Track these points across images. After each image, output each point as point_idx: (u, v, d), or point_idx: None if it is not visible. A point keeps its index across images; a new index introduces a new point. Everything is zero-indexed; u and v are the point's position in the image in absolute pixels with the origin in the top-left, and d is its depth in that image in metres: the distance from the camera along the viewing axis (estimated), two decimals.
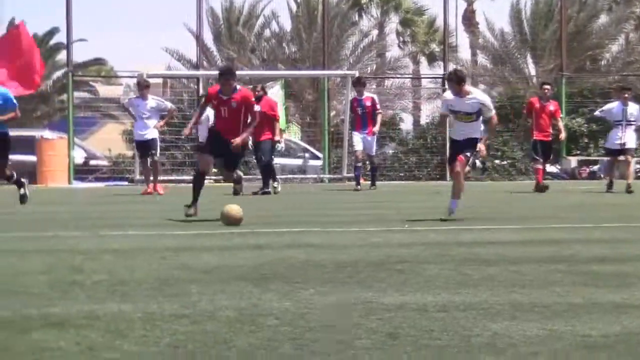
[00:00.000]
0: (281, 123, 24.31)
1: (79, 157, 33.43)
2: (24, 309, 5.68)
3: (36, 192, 26.37)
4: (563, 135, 24.89)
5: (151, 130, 22.06)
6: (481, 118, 13.89)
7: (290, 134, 36.40)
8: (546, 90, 23.46)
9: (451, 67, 37.60)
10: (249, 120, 14.03)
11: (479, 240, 10.76)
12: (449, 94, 14.05)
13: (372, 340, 4.79)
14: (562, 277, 7.42)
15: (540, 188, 22.50)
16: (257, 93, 22.92)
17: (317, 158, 34.57)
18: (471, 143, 13.63)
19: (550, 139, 23.41)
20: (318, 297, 6.23)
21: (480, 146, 13.70)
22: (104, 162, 35.16)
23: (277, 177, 23.38)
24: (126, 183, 30.30)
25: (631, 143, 22.62)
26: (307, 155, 34.74)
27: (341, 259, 8.72)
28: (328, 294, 6.39)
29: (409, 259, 8.64)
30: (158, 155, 22.64)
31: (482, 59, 44.66)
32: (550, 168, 35.20)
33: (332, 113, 35.58)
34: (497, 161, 34.61)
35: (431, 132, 35.24)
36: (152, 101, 22.41)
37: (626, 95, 22.52)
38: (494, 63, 42.79)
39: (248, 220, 12.43)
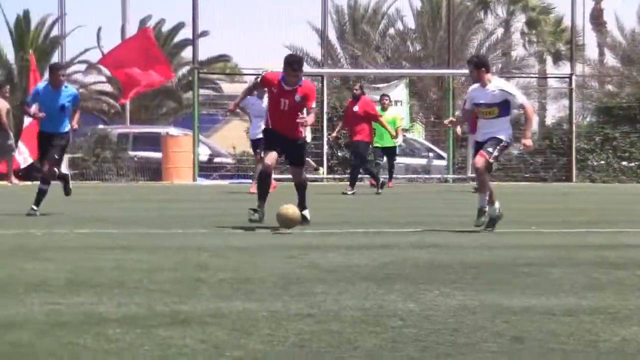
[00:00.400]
0: (405, 122, 24.24)
1: (203, 154, 33.70)
2: (153, 306, 5.80)
3: (162, 188, 26.99)
4: None
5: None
6: (508, 117, 12.37)
7: (414, 133, 36.34)
8: None
9: (579, 67, 37.16)
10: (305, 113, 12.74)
11: (607, 244, 10.61)
12: (473, 86, 12.71)
13: (497, 343, 4.76)
14: None
15: None
16: (355, 91, 23.13)
17: (442, 158, 34.37)
18: (494, 140, 12.11)
19: None
20: (442, 299, 6.22)
21: (526, 142, 12.51)
22: (229, 160, 35.42)
23: (382, 178, 22.94)
24: (250, 181, 30.56)
25: None
26: (431, 154, 34.55)
27: (466, 260, 8.71)
28: (453, 296, 6.37)
29: (535, 262, 8.60)
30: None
31: (610, 58, 43.68)
32: None
33: (457, 112, 35.36)
34: (624, 162, 33.98)
35: (557, 132, 34.75)
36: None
37: None
38: (622, 63, 41.71)
39: (372, 219, 12.48)
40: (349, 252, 9.37)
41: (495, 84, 12.18)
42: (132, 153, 33.97)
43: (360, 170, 22.78)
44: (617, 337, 4.96)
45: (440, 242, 10.45)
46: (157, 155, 33.08)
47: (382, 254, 9.17)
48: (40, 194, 14.02)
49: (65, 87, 14.60)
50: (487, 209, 11.79)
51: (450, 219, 14.35)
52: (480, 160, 11.92)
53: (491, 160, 12.06)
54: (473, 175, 28.32)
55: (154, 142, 33.99)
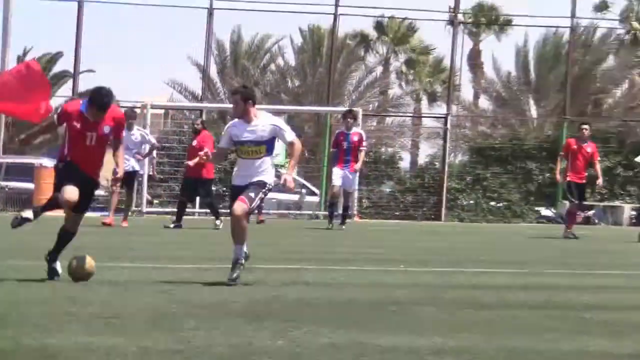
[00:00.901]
0: (280, 158, 24.32)
1: None
2: (22, 340, 5.78)
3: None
4: (600, 181, 23.56)
5: (133, 162, 22.16)
6: (271, 156, 10.90)
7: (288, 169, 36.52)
8: (584, 131, 22.42)
9: (454, 108, 38.04)
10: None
11: (473, 283, 10.88)
12: (233, 122, 11.15)
13: None
14: (556, 324, 7.55)
15: (570, 234, 21.82)
16: (195, 126, 23.55)
17: (314, 194, 34.82)
18: (258, 183, 10.59)
19: (585, 181, 22.47)
20: (311, 337, 6.33)
21: (287, 177, 10.79)
22: (102, 192, 35.32)
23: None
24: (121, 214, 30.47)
25: None
26: (303, 191, 34.85)
27: (335, 298, 8.85)
28: (321, 334, 6.48)
29: (403, 301, 8.77)
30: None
31: (484, 99, 44.97)
32: (545, 212, 35.65)
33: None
34: (492, 203, 34.93)
35: (430, 171, 35.66)
36: (137, 133, 22.52)
37: None
38: (496, 104, 43.09)
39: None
40: (220, 288, 9.44)
41: (264, 120, 10.90)
42: (3, 183, 33.73)
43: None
44: None
45: (309, 280, 10.58)
46: (29, 185, 32.42)
47: (253, 291, 9.26)
48: None
49: None
50: (243, 261, 10.16)
51: (319, 255, 14.51)
52: (239, 207, 10.32)
53: (252, 206, 10.61)
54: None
55: (27, 172, 33.42)
